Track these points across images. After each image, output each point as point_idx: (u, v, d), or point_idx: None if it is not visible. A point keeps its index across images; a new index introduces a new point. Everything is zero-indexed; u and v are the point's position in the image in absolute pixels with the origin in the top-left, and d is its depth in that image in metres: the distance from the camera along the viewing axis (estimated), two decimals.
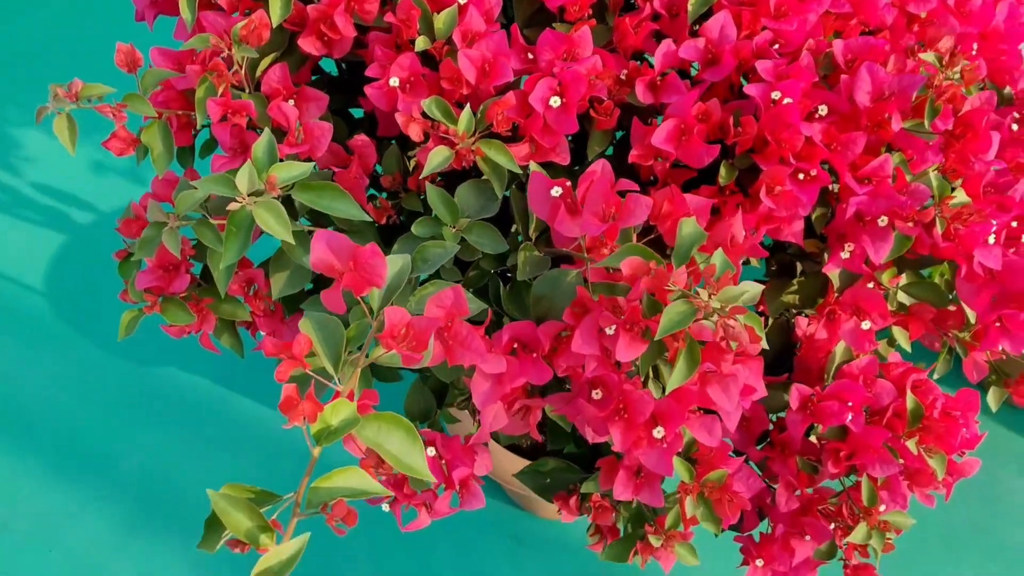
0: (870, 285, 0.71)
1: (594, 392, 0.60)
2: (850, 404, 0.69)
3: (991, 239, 0.63)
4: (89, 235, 1.66)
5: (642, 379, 0.54)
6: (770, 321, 0.80)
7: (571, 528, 1.40)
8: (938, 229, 0.60)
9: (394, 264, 0.55)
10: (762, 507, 0.80)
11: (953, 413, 0.73)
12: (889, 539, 0.74)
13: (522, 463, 1.16)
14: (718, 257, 0.46)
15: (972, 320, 0.75)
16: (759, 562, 0.76)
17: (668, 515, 0.73)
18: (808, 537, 0.73)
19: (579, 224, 0.54)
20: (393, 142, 0.71)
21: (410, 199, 0.70)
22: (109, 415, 1.47)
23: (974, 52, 0.75)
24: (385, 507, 0.74)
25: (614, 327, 0.52)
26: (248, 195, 0.57)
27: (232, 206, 0.56)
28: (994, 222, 0.62)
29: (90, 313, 1.56)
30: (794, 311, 0.84)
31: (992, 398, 0.83)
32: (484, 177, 0.64)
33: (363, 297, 0.52)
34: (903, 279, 0.75)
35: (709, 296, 0.46)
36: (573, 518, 0.76)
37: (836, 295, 0.70)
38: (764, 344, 0.56)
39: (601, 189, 0.53)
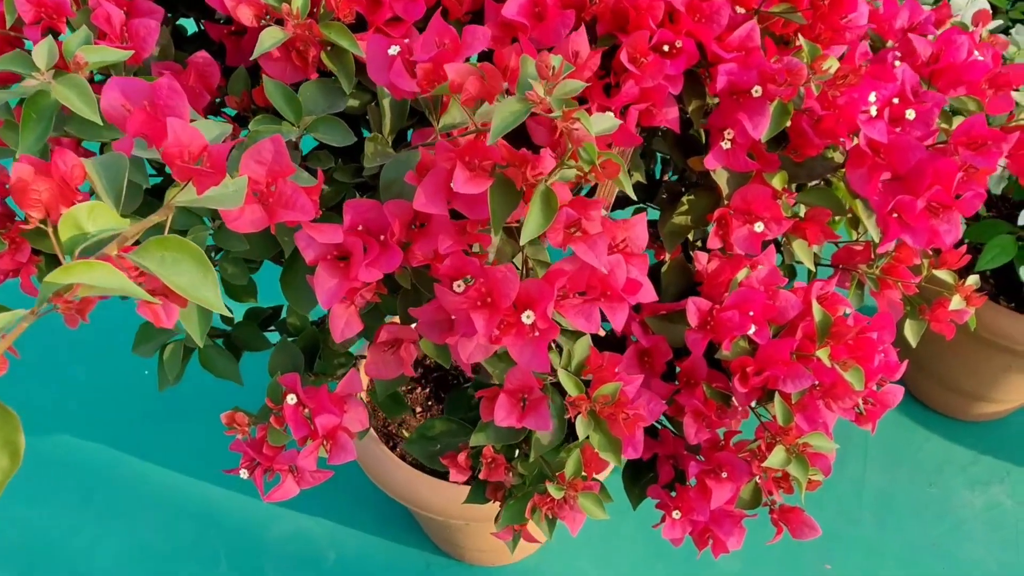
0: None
1: (455, 284, 0.53)
2: (751, 314, 0.63)
3: (872, 111, 0.60)
4: None
5: (492, 233, 0.47)
6: (668, 260, 0.75)
7: (496, 573, 1.27)
8: (813, 90, 0.56)
9: (208, 129, 0.48)
10: (677, 458, 0.71)
11: (869, 334, 0.67)
12: (813, 476, 0.66)
13: (440, 485, 1.06)
14: (555, 57, 0.41)
15: (876, 237, 0.70)
16: (676, 513, 0.67)
17: (568, 461, 0.65)
18: (725, 474, 0.65)
19: (416, 76, 0.48)
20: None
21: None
22: None
23: None
24: (244, 474, 0.64)
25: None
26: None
27: (27, 83, 0.50)
28: (873, 93, 0.59)
29: None
30: (694, 247, 0.79)
31: (909, 332, 0.78)
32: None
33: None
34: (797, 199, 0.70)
35: (545, 91, 0.40)
36: (463, 478, 0.67)
37: (725, 201, 0.65)
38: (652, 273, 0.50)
39: (435, 28, 0.48)
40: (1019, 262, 1.06)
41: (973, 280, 0.74)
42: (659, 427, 0.73)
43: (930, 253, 0.78)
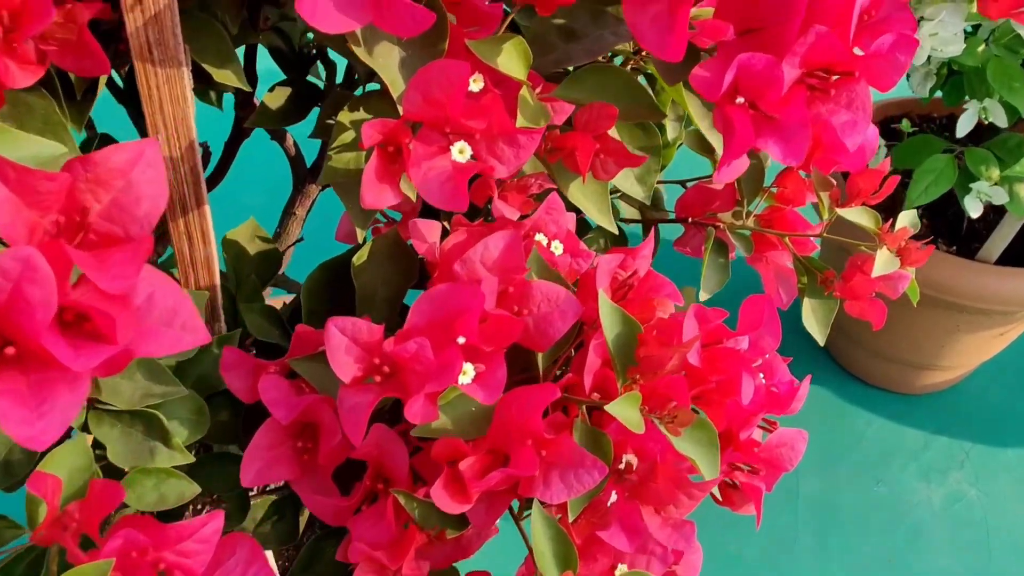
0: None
1: None
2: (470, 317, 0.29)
3: None
4: None
5: None
6: (361, 239, 0.40)
7: None
8: None
9: None
10: None
11: (727, 343, 0.33)
12: None
13: None
14: None
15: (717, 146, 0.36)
16: None
17: None
18: None
19: None
20: None
21: None
22: None
23: None
24: None
25: None
26: None
27: None
28: None
29: None
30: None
31: (812, 321, 0.45)
32: None
33: None
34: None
35: None
36: None
37: (399, 105, 0.31)
38: None
39: None
40: (961, 191, 0.75)
41: (908, 218, 0.41)
42: None
43: (833, 183, 0.46)
